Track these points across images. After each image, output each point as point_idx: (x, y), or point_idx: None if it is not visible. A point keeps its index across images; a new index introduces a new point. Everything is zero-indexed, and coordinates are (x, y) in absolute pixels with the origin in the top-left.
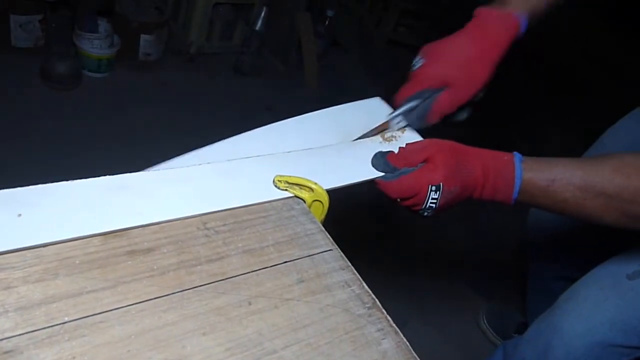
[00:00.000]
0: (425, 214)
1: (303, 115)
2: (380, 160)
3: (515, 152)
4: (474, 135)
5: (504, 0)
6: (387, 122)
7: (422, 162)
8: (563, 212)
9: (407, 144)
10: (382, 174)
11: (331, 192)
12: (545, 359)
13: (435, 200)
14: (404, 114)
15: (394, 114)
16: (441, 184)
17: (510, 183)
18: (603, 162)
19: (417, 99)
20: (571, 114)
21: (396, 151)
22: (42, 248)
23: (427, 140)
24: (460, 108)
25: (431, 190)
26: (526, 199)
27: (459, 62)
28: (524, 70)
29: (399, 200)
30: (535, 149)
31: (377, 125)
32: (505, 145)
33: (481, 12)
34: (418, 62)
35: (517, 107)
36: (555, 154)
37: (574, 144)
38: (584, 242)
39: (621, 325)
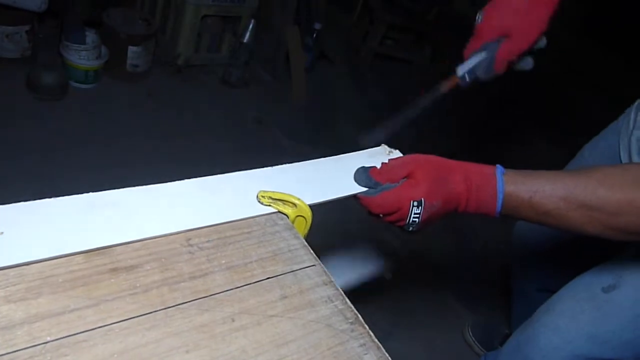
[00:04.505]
0: (410, 228)
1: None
2: (363, 175)
3: (497, 165)
4: (462, 147)
5: None
6: (456, 78)
7: (404, 178)
8: (546, 223)
9: (389, 160)
10: (365, 189)
11: (315, 207)
12: None
13: (417, 215)
14: (472, 66)
15: (463, 70)
16: (422, 199)
17: (493, 196)
18: (585, 174)
19: (482, 51)
20: (557, 126)
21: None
22: (24, 266)
23: (409, 155)
24: (524, 56)
25: (413, 206)
26: (510, 211)
27: (515, 12)
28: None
29: (381, 215)
30: (521, 160)
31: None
32: (491, 157)
33: None
34: (479, 16)
35: (505, 120)
36: (541, 166)
37: (559, 155)
38: (567, 255)
39: (596, 337)
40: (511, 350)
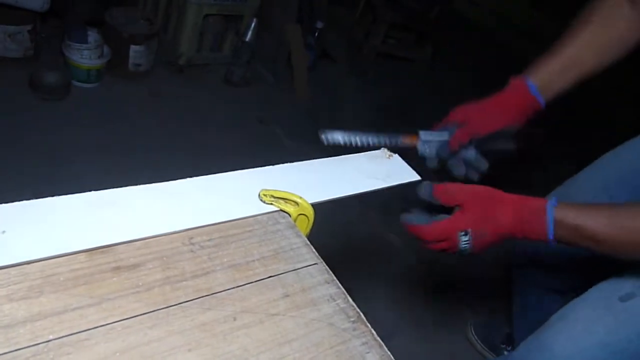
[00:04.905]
0: (465, 254)
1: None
2: (427, 188)
3: (552, 197)
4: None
5: (527, 71)
6: (416, 138)
7: (456, 205)
8: (594, 249)
9: (452, 183)
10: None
11: (317, 206)
12: None
13: (467, 242)
14: (432, 140)
15: (424, 136)
16: (470, 230)
17: (542, 226)
18: (630, 203)
19: (444, 130)
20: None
21: (386, 168)
22: (26, 265)
23: (466, 186)
24: (477, 146)
25: (461, 235)
26: (561, 238)
27: (479, 109)
28: None
29: (431, 243)
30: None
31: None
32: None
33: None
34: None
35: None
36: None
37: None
38: (569, 258)
39: (612, 346)
40: (522, 357)
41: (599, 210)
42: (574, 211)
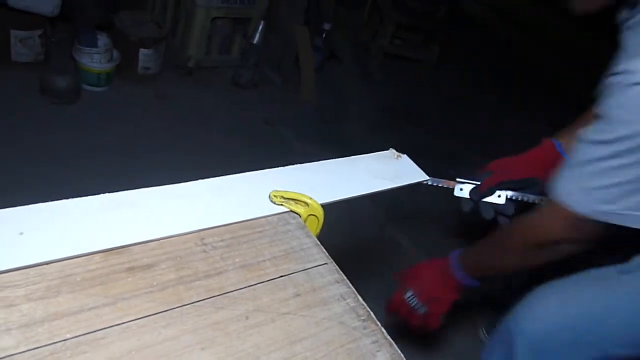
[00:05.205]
0: (421, 311)
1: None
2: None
3: (454, 251)
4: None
5: (557, 134)
6: (454, 183)
7: (404, 280)
8: (495, 272)
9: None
10: None
11: (327, 207)
12: (516, 341)
13: (412, 297)
14: (466, 182)
15: (460, 179)
16: (409, 288)
17: (451, 274)
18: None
19: (478, 179)
20: None
21: (395, 165)
22: (44, 266)
23: (412, 268)
24: (524, 189)
25: (405, 294)
26: (472, 275)
27: (509, 159)
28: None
29: (398, 315)
30: None
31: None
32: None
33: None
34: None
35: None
36: None
37: None
38: (576, 262)
39: (598, 314)
40: (508, 318)
41: (479, 245)
42: (467, 253)
